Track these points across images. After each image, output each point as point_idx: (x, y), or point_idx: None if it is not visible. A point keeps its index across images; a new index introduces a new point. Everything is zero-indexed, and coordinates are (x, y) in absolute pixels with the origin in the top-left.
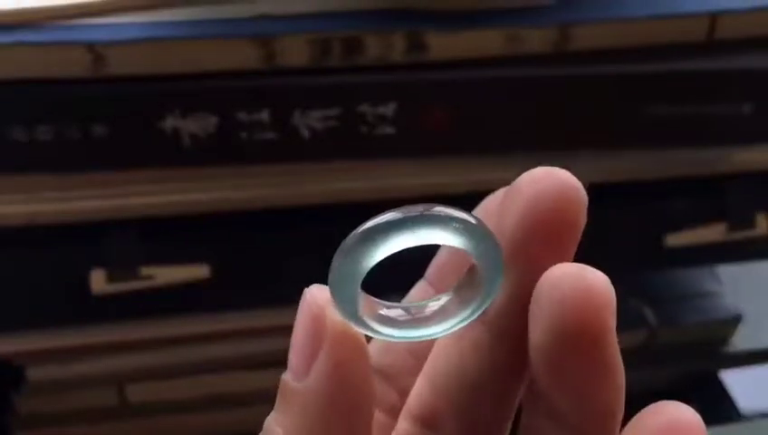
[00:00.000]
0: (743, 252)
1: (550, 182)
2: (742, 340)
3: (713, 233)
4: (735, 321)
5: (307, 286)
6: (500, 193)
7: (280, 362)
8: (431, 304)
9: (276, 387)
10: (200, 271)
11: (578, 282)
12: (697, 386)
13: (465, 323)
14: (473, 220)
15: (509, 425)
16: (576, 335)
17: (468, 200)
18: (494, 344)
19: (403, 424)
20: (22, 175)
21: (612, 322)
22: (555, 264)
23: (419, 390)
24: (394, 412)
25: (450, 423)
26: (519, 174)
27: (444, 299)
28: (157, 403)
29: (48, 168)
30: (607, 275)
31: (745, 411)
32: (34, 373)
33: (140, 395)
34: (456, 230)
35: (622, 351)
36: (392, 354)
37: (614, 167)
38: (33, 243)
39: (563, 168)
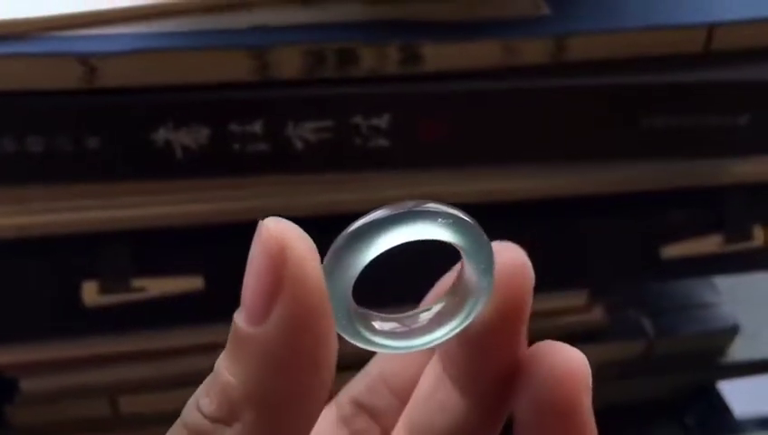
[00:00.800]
0: (740, 263)
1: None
2: (739, 350)
3: (710, 244)
4: (733, 331)
5: None
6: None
7: None
8: (423, 314)
9: None
10: (193, 283)
11: (562, 361)
12: (695, 397)
13: (459, 329)
14: (462, 215)
15: None
16: (556, 409)
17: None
18: (463, 407)
19: None
20: (12, 186)
21: (589, 400)
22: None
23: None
24: None
25: None
26: (516, 185)
27: (436, 307)
28: (150, 415)
29: (39, 179)
30: (603, 285)
31: (743, 422)
32: (27, 385)
33: (133, 406)
34: (445, 225)
35: (620, 361)
36: (377, 394)
37: (611, 178)
38: (24, 254)
39: (562, 178)
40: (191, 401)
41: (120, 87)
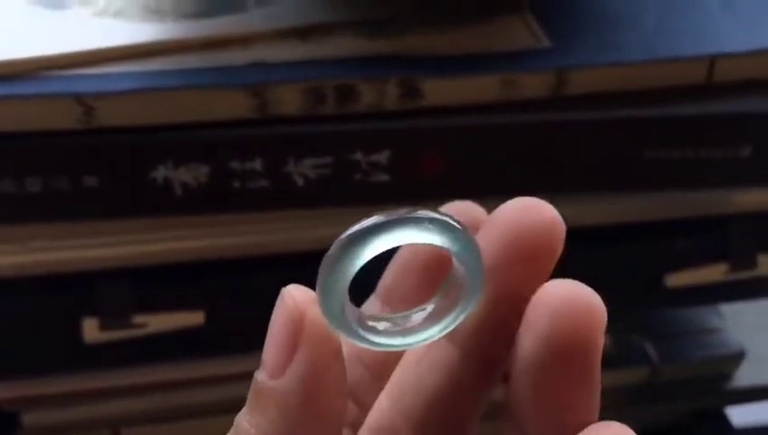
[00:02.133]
0: (745, 291)
1: (528, 210)
2: (746, 376)
3: (715, 273)
4: (739, 357)
5: None
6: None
7: None
8: (417, 314)
9: None
10: (194, 317)
11: (576, 297)
12: (702, 422)
13: (452, 326)
14: (449, 220)
15: None
16: (566, 344)
17: None
18: (456, 363)
19: None
20: (12, 225)
21: (601, 341)
22: (527, 290)
23: (380, 405)
24: (355, 427)
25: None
26: None
27: (429, 307)
28: None
29: (38, 218)
30: (609, 314)
31: None
32: (29, 419)
33: None
34: (434, 230)
35: (625, 387)
36: (354, 371)
37: (614, 209)
38: (24, 292)
39: (565, 209)
40: None
41: (118, 126)
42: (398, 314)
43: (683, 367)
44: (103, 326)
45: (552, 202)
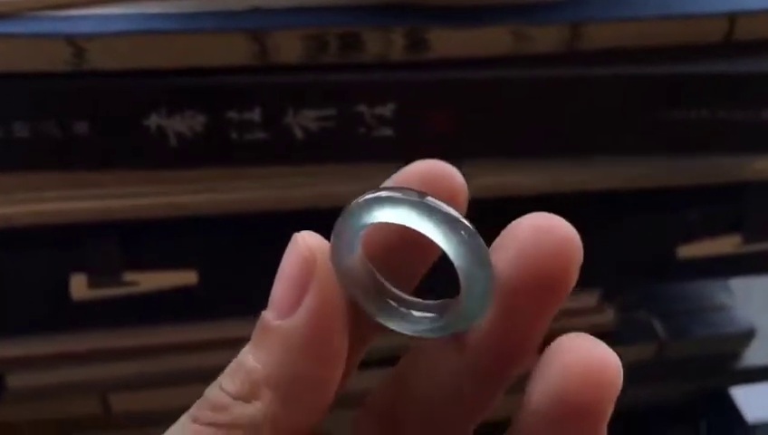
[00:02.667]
0: (758, 265)
1: (549, 233)
2: (754, 355)
3: (727, 245)
4: (748, 335)
5: None
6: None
7: None
8: (424, 305)
9: None
10: (187, 277)
11: (597, 357)
12: (708, 402)
13: (448, 333)
14: (465, 226)
15: None
16: (577, 408)
17: (471, 207)
18: (461, 370)
19: (364, 416)
20: None
21: (611, 407)
22: (539, 313)
23: (384, 389)
24: None
25: (409, 425)
26: (525, 179)
27: (442, 301)
28: (142, 413)
29: (25, 167)
30: (616, 286)
31: (755, 429)
32: (14, 381)
33: (125, 405)
34: (444, 230)
35: (631, 364)
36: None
37: (625, 174)
38: (10, 246)
39: (574, 173)
40: (213, 384)
41: (110, 70)
42: (413, 299)
43: (690, 344)
44: (92, 283)
45: (560, 166)
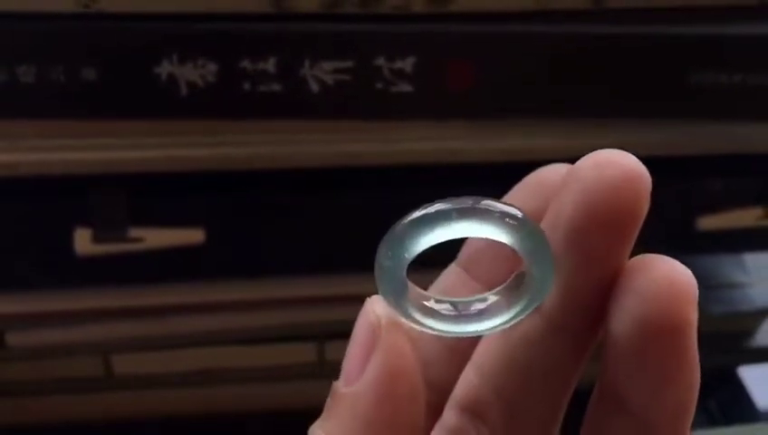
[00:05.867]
0: None
1: (613, 169)
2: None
3: (748, 217)
4: (762, 314)
5: (310, 255)
6: (544, 172)
7: (277, 337)
8: (478, 302)
9: (273, 365)
10: (194, 235)
11: (667, 274)
12: (718, 382)
13: (513, 322)
14: (521, 216)
15: (557, 426)
16: (661, 326)
17: (491, 170)
18: (547, 337)
19: (449, 413)
20: (1, 120)
21: (695, 317)
22: (613, 255)
23: (467, 379)
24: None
25: (497, 414)
26: (546, 142)
27: (492, 298)
28: (144, 376)
29: (30, 113)
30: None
31: (764, 411)
32: (13, 339)
33: (127, 367)
34: (506, 226)
35: None
36: (423, 344)
37: (648, 139)
38: (11, 195)
39: (595, 137)
40: None
41: (120, 13)
42: (458, 299)
43: (702, 321)
44: (96, 238)
45: (579, 129)
